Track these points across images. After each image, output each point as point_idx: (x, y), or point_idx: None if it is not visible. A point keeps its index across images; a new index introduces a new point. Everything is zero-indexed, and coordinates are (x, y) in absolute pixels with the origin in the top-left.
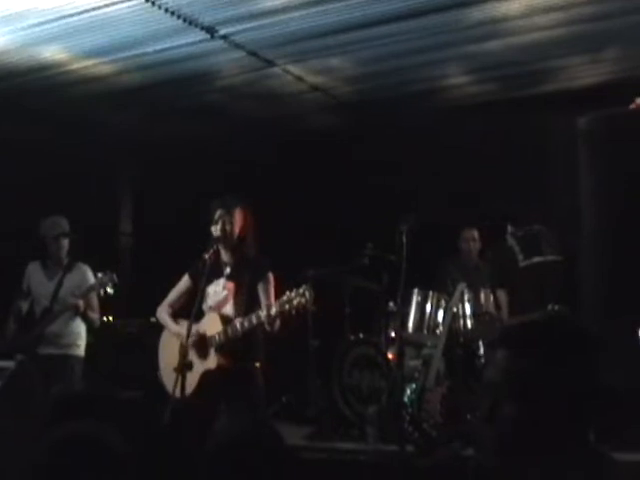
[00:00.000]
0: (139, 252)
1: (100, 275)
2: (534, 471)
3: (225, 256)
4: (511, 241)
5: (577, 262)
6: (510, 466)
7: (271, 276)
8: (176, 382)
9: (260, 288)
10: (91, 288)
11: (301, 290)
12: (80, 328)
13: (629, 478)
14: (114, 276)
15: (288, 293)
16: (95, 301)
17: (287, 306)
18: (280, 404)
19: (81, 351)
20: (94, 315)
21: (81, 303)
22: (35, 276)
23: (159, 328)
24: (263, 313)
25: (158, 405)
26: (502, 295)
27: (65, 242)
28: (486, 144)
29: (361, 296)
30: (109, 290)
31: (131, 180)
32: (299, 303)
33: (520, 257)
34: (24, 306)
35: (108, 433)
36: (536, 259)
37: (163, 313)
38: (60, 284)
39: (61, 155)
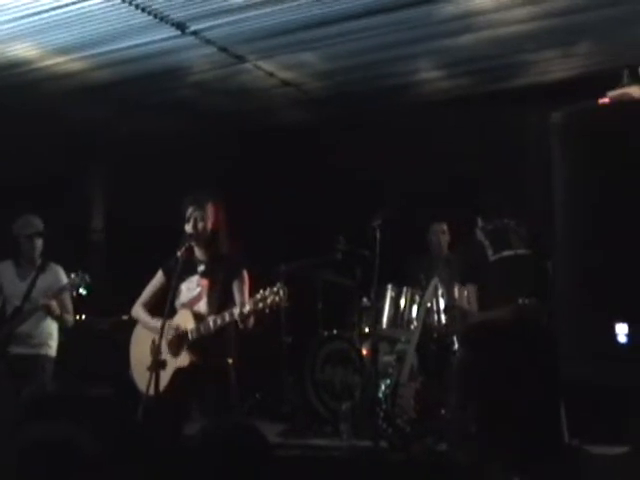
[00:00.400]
0: (110, 249)
1: (72, 276)
2: (506, 468)
3: (199, 253)
4: (480, 235)
5: (549, 256)
6: (482, 465)
7: (246, 274)
8: (149, 380)
9: (235, 286)
10: (63, 289)
11: (275, 288)
12: (51, 328)
13: (604, 471)
14: (86, 277)
15: (262, 291)
16: (68, 301)
17: (261, 304)
18: (253, 401)
19: (53, 351)
20: (67, 316)
21: (54, 304)
22: (7, 275)
23: (131, 326)
24: (236, 311)
25: (130, 403)
26: (472, 290)
27: (39, 242)
28: (459, 138)
29: (334, 291)
30: (82, 291)
31: (102, 177)
32: (273, 301)
33: (490, 252)
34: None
35: (78, 434)
36: (505, 253)
37: (139, 311)
38: (33, 284)
39: (32, 152)
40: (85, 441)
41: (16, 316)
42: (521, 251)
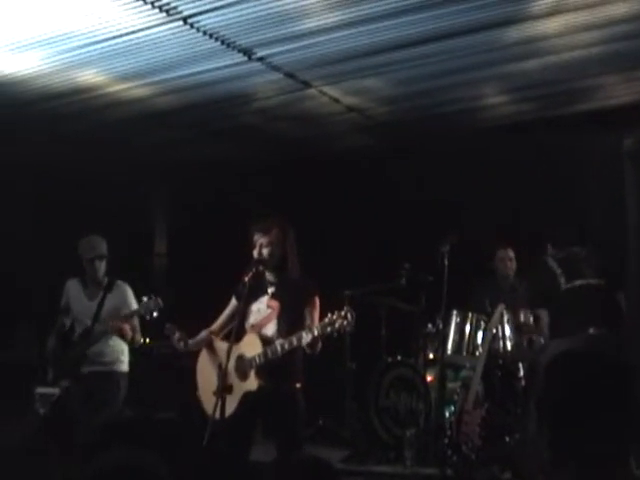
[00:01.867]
0: (174, 273)
1: (145, 300)
2: None
3: (269, 276)
4: (552, 263)
5: (620, 285)
6: None
7: (317, 299)
8: (216, 405)
9: (307, 311)
10: (136, 312)
11: (343, 312)
12: (122, 345)
13: None
14: (159, 300)
15: (330, 315)
16: (137, 322)
17: (329, 328)
18: (316, 426)
19: (125, 367)
20: (137, 336)
21: (126, 327)
22: (75, 295)
23: (194, 350)
24: (304, 335)
25: (197, 428)
26: (544, 316)
27: (101, 264)
28: (524, 164)
29: (398, 317)
30: (154, 315)
31: (166, 201)
32: (341, 325)
33: (562, 280)
34: (67, 323)
35: (151, 460)
36: (578, 282)
37: (202, 334)
38: (101, 305)
39: (97, 176)
40: (158, 468)
41: (87, 337)
42: (593, 281)
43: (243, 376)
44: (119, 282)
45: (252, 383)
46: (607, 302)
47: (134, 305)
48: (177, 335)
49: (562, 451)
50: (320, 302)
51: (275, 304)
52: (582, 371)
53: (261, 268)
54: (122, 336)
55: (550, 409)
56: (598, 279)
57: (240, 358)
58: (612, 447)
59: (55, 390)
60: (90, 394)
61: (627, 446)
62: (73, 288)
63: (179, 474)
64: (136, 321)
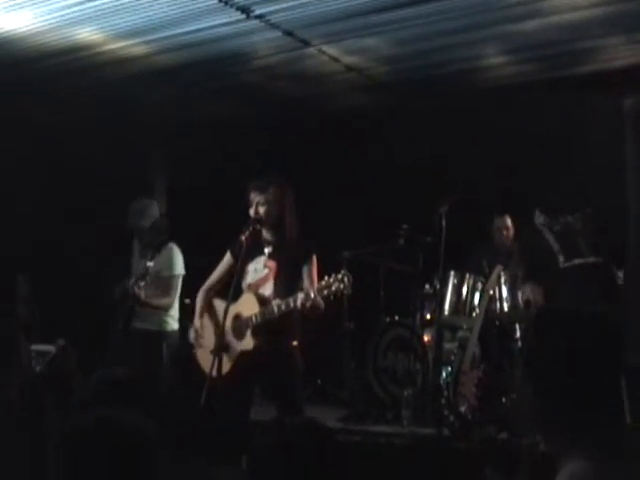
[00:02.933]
0: (174, 232)
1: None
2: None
3: (266, 235)
4: (549, 236)
5: (617, 263)
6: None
7: (315, 259)
8: (212, 363)
9: (304, 271)
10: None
11: (340, 275)
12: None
13: None
14: None
15: (327, 278)
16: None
17: (326, 291)
18: (314, 386)
19: (171, 325)
20: (164, 300)
21: (142, 294)
22: (134, 253)
23: (194, 308)
24: (301, 297)
25: (193, 385)
26: (538, 291)
27: (145, 229)
28: (523, 126)
29: (396, 278)
30: None
31: (166, 160)
32: (338, 288)
33: (561, 258)
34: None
35: (135, 417)
36: (577, 261)
37: (200, 296)
38: (148, 265)
39: (95, 135)
40: (142, 425)
41: (127, 294)
42: (591, 259)
43: (239, 335)
44: (170, 244)
45: (248, 342)
46: (605, 280)
47: (177, 269)
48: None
49: (549, 408)
50: (318, 263)
51: (272, 264)
52: (568, 326)
53: (258, 227)
54: (137, 302)
55: (534, 365)
56: (596, 256)
57: (237, 317)
58: (601, 403)
59: (51, 347)
60: (138, 350)
61: (617, 402)
62: (135, 246)
63: (174, 433)
64: (170, 283)
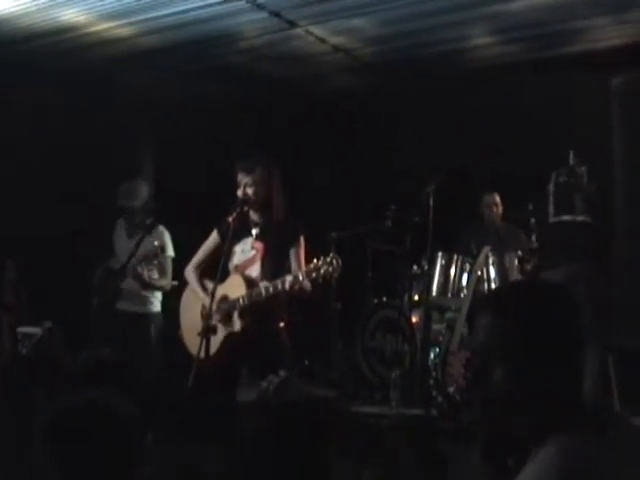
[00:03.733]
0: (160, 215)
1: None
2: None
3: (254, 216)
4: (552, 184)
5: (608, 222)
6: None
7: (302, 240)
8: (200, 346)
9: (292, 252)
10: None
11: (329, 258)
12: None
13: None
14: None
15: (315, 261)
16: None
17: (314, 274)
18: (302, 367)
19: (156, 307)
20: (163, 281)
21: (145, 274)
22: (119, 233)
23: (181, 290)
24: (289, 280)
25: (180, 366)
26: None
27: (135, 211)
28: (510, 106)
29: (383, 259)
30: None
31: (152, 142)
32: (326, 271)
33: (550, 211)
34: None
35: (118, 399)
36: (565, 217)
37: (191, 274)
38: (138, 245)
39: (81, 117)
40: (124, 406)
41: (120, 274)
42: (580, 218)
43: (226, 318)
44: (160, 227)
45: (235, 324)
46: (592, 238)
47: (170, 251)
48: None
49: (517, 389)
50: (306, 244)
51: (259, 245)
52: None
53: (245, 208)
54: (140, 282)
55: (497, 345)
56: (585, 215)
57: (224, 299)
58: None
59: (37, 330)
60: (123, 332)
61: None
62: (119, 227)
63: (160, 415)
64: (169, 264)
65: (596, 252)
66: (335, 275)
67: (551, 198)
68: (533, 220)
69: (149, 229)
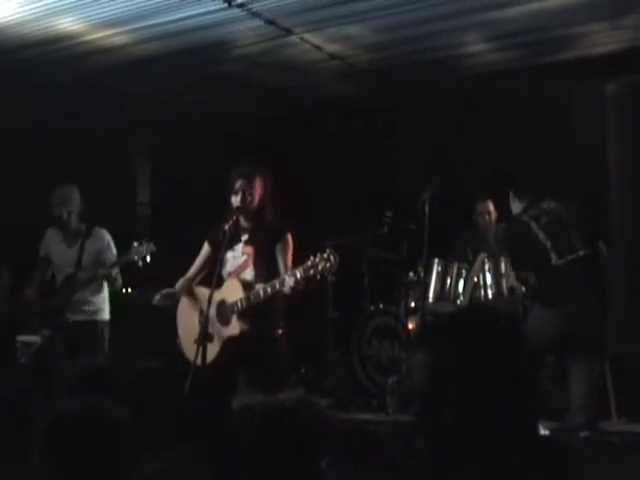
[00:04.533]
0: (156, 222)
1: (136, 245)
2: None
3: (244, 222)
4: (535, 229)
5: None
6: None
7: (289, 237)
8: (197, 352)
9: (277, 249)
10: (127, 259)
11: (325, 254)
12: (104, 292)
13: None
14: (152, 245)
15: (312, 258)
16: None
17: (312, 271)
18: (299, 374)
19: (106, 315)
20: (117, 282)
21: (114, 273)
22: (54, 243)
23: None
24: (287, 278)
25: (178, 375)
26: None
27: (73, 215)
28: (507, 112)
29: (380, 266)
30: (147, 259)
31: (148, 150)
32: (324, 267)
33: (553, 256)
34: (47, 273)
35: (111, 406)
36: (570, 257)
37: (180, 284)
38: (81, 251)
39: (78, 125)
40: (119, 413)
41: (70, 284)
42: (582, 252)
43: (225, 321)
44: (97, 228)
45: (234, 328)
46: (592, 268)
47: (114, 250)
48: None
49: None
50: (302, 252)
51: (249, 250)
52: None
53: (240, 215)
54: (109, 282)
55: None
56: (585, 248)
57: (222, 304)
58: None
59: (36, 339)
60: (72, 342)
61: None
62: (52, 236)
63: (154, 423)
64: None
65: (594, 278)
66: (333, 270)
67: (547, 243)
68: None
69: (87, 233)
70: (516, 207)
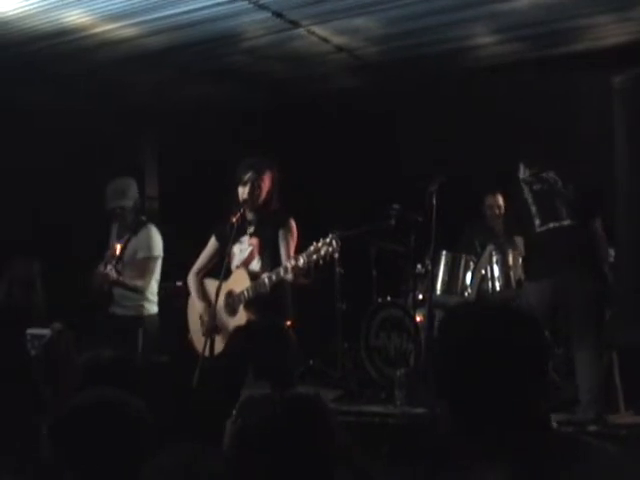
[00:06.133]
0: (165, 215)
1: None
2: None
3: (249, 215)
4: (527, 195)
5: (592, 225)
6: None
7: (292, 223)
8: (205, 344)
9: (280, 235)
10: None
11: (328, 239)
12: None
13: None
14: None
15: (315, 243)
16: (144, 266)
17: (315, 256)
18: (307, 367)
19: (148, 310)
20: (138, 282)
21: (111, 275)
22: (112, 234)
23: (185, 291)
24: (290, 265)
25: (187, 368)
26: (519, 242)
27: (123, 212)
28: (514, 104)
29: (388, 258)
30: None
31: (156, 144)
32: (327, 252)
33: (536, 221)
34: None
35: (126, 399)
36: (552, 225)
37: (192, 280)
38: (125, 247)
39: (85, 118)
40: (132, 406)
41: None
42: (566, 222)
43: (232, 312)
44: (148, 225)
45: (241, 317)
46: (580, 242)
47: (155, 251)
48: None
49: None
50: (309, 243)
51: (255, 241)
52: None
53: (247, 208)
54: (110, 283)
55: (443, 371)
56: (571, 219)
57: (229, 294)
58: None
59: (47, 331)
60: (115, 335)
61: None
62: (114, 228)
63: (164, 417)
64: (144, 265)
65: (584, 255)
66: (335, 256)
67: (533, 208)
68: None
69: (135, 230)
70: (522, 174)
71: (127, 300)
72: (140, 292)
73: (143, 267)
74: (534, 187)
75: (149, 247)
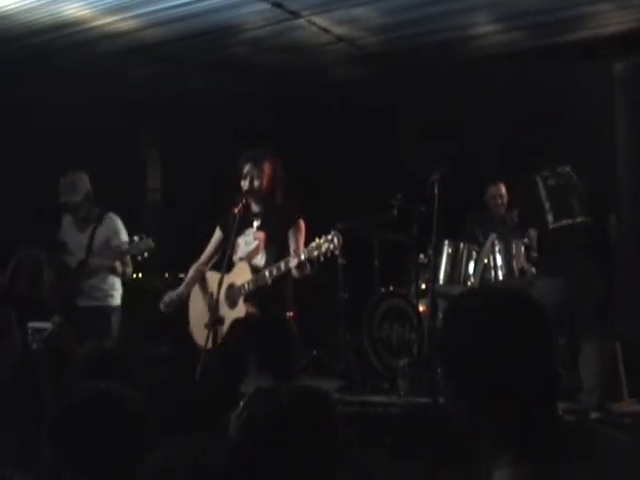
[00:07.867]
0: (167, 207)
1: (136, 239)
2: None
3: (255, 207)
4: (542, 191)
5: (606, 220)
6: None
7: (302, 223)
8: (207, 337)
9: (290, 234)
10: (126, 252)
11: (329, 236)
12: (115, 279)
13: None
14: (150, 242)
15: (317, 239)
16: (128, 257)
17: (316, 252)
18: (310, 357)
19: (116, 300)
20: (127, 269)
21: (117, 264)
22: (67, 228)
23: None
24: (292, 260)
25: (188, 360)
26: (533, 234)
27: (80, 205)
28: (516, 93)
29: (390, 248)
30: (145, 255)
31: (158, 136)
32: (328, 248)
33: (549, 218)
34: (67, 258)
35: (124, 394)
36: (565, 222)
37: (190, 271)
38: (92, 237)
39: (87, 111)
40: (132, 399)
41: (81, 269)
42: (580, 219)
43: (232, 304)
44: (110, 214)
45: (240, 310)
46: (593, 238)
47: (124, 237)
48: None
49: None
50: (312, 235)
51: (261, 235)
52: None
53: (250, 199)
54: (113, 273)
55: (453, 361)
56: (585, 216)
57: (230, 287)
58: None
59: (48, 324)
60: (83, 328)
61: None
62: (66, 221)
63: (163, 409)
64: (128, 256)
65: (597, 251)
66: (336, 252)
67: (546, 204)
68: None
69: (99, 219)
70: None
71: (97, 291)
72: (127, 280)
73: (122, 255)
74: (549, 182)
75: (121, 235)
